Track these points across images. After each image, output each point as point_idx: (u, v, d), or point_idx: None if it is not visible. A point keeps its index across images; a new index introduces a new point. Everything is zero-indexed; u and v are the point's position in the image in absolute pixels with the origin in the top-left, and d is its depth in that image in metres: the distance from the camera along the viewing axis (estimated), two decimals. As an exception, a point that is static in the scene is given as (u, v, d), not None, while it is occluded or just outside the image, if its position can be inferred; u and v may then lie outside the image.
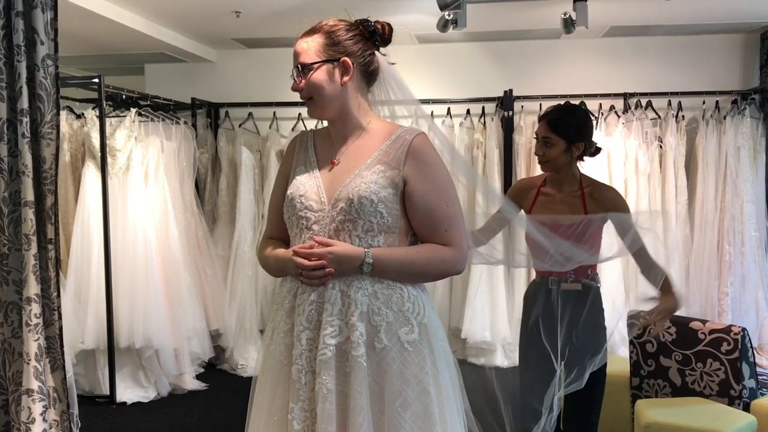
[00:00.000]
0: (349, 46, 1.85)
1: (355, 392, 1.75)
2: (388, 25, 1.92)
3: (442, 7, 3.99)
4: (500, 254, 2.72)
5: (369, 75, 1.91)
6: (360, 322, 1.77)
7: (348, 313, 1.79)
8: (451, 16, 4.27)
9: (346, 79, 1.85)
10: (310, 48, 1.85)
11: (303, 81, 1.86)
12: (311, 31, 1.87)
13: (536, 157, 3.03)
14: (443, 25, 4.39)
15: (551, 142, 2.81)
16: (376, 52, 1.90)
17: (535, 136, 2.95)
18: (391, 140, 1.86)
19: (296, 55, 1.87)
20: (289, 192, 1.90)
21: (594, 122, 5.41)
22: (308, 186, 1.87)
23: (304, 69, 1.85)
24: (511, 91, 5.63)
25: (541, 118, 2.91)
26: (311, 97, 1.87)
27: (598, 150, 2.93)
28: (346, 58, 1.85)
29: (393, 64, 1.95)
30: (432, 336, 1.85)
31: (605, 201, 2.82)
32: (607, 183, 5.27)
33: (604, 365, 2.81)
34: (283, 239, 1.97)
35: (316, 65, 1.84)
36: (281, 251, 1.90)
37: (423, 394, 1.79)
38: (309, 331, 1.81)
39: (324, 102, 1.87)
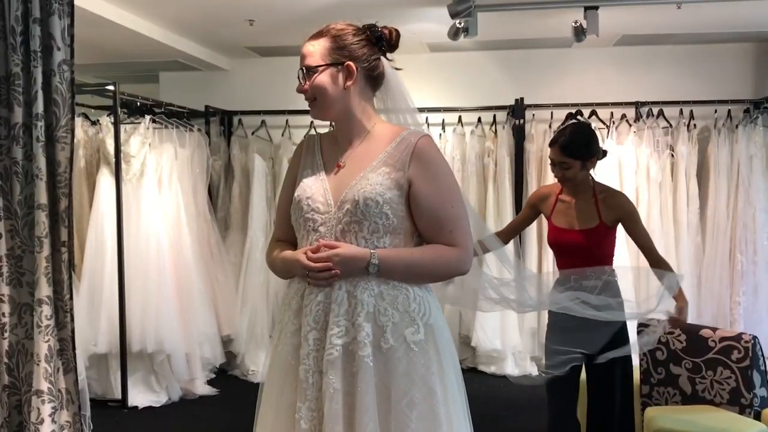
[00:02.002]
0: (354, 51, 1.88)
1: (362, 392, 1.76)
2: (396, 30, 1.95)
3: (453, 16, 4.02)
4: (512, 296, 2.77)
5: (374, 80, 1.94)
6: (366, 323, 1.79)
7: (354, 313, 1.81)
8: (462, 24, 4.30)
9: (349, 83, 1.89)
10: (316, 51, 1.88)
11: (307, 83, 1.89)
12: (318, 34, 1.91)
13: (548, 166, 3.19)
14: (454, 34, 4.43)
15: (567, 164, 3.01)
16: (381, 57, 1.93)
17: (550, 161, 3.12)
18: (396, 142, 1.88)
19: (302, 57, 1.91)
20: (296, 194, 1.93)
21: (605, 131, 5.46)
22: (315, 188, 1.90)
23: (308, 71, 1.89)
24: (522, 99, 5.65)
25: (552, 144, 3.08)
26: (315, 99, 1.91)
27: (605, 153, 3.17)
28: (350, 63, 1.87)
29: (399, 69, 1.97)
30: (438, 336, 1.87)
31: (616, 206, 3.07)
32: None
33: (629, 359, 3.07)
34: (290, 241, 2.00)
35: (320, 68, 1.88)
36: (288, 253, 1.93)
37: (429, 394, 1.80)
38: (316, 332, 1.83)
39: (326, 104, 1.90)
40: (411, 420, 1.77)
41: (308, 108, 1.97)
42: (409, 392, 1.79)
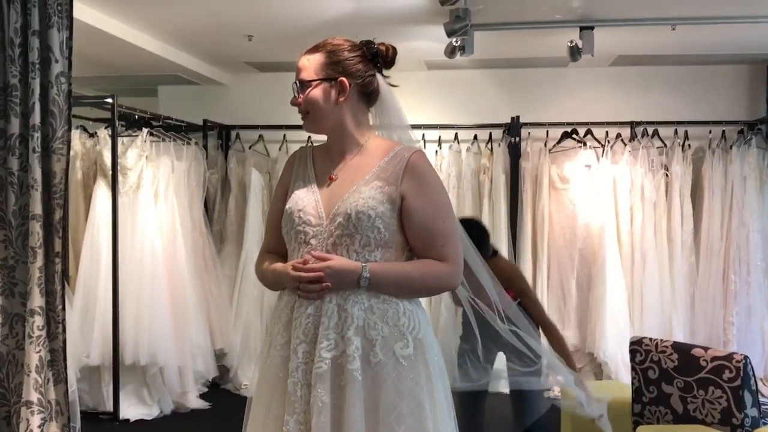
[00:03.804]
0: (349, 67, 1.90)
1: (350, 406, 1.76)
2: (392, 47, 1.97)
3: (450, 34, 4.05)
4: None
5: (367, 96, 1.95)
6: (356, 336, 1.79)
7: (344, 326, 1.81)
8: (459, 42, 4.34)
9: (341, 98, 1.90)
10: (311, 65, 1.91)
11: (301, 97, 1.91)
12: (314, 48, 1.93)
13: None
14: (451, 52, 4.46)
15: None
16: (377, 74, 1.95)
17: None
18: (389, 157, 1.89)
19: (298, 70, 1.93)
20: (287, 206, 1.93)
21: (600, 150, 5.50)
22: (306, 201, 1.91)
23: (302, 85, 1.91)
24: (518, 117, 5.68)
25: None
26: (308, 112, 1.93)
27: (495, 253, 3.22)
28: (344, 79, 1.89)
29: (395, 86, 1.99)
30: (427, 351, 1.87)
31: (498, 271, 3.00)
32: (612, 211, 5.36)
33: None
34: (280, 253, 2.00)
35: (314, 83, 1.90)
36: (279, 265, 1.93)
37: (417, 408, 1.80)
38: (305, 345, 1.83)
39: (318, 118, 1.92)
40: (399, 434, 1.78)
41: None
42: (398, 406, 1.79)
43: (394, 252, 1.88)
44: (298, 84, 1.92)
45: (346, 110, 1.92)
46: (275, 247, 2.02)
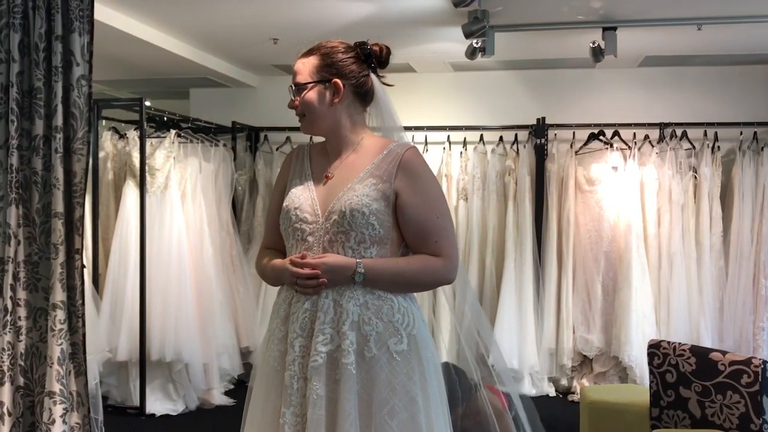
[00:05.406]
0: (342, 68, 1.94)
1: (344, 399, 1.80)
2: (386, 47, 2.00)
3: (468, 35, 4.06)
4: None
5: (362, 96, 1.99)
6: (350, 331, 1.84)
7: (340, 321, 1.85)
8: (479, 44, 4.34)
9: (336, 100, 1.94)
10: (305, 69, 1.96)
11: (297, 99, 1.96)
12: (309, 52, 1.98)
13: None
14: (471, 53, 4.47)
15: None
16: (371, 74, 1.98)
17: None
18: (383, 154, 1.93)
19: (294, 74, 1.98)
20: (285, 204, 1.98)
21: (628, 152, 5.43)
22: (303, 199, 1.96)
23: (298, 88, 1.96)
24: (544, 119, 5.65)
25: None
26: (304, 115, 1.97)
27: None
28: (338, 80, 1.93)
29: (390, 86, 2.03)
30: (421, 347, 1.90)
31: None
32: (639, 213, 5.28)
33: None
34: (279, 249, 2.06)
35: (308, 85, 1.94)
36: (278, 261, 1.98)
37: (410, 403, 1.84)
38: (302, 339, 1.88)
39: (314, 120, 1.97)
40: (392, 428, 1.81)
41: None
42: (391, 401, 1.82)
43: (389, 248, 1.91)
44: (293, 87, 1.97)
45: (342, 111, 1.96)
46: (274, 243, 2.08)
